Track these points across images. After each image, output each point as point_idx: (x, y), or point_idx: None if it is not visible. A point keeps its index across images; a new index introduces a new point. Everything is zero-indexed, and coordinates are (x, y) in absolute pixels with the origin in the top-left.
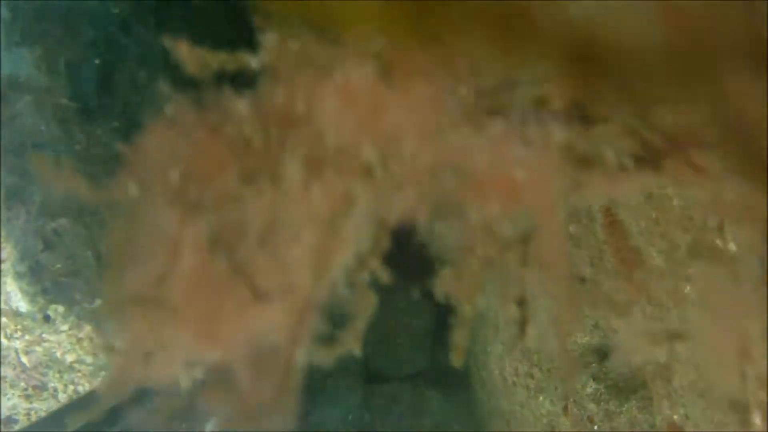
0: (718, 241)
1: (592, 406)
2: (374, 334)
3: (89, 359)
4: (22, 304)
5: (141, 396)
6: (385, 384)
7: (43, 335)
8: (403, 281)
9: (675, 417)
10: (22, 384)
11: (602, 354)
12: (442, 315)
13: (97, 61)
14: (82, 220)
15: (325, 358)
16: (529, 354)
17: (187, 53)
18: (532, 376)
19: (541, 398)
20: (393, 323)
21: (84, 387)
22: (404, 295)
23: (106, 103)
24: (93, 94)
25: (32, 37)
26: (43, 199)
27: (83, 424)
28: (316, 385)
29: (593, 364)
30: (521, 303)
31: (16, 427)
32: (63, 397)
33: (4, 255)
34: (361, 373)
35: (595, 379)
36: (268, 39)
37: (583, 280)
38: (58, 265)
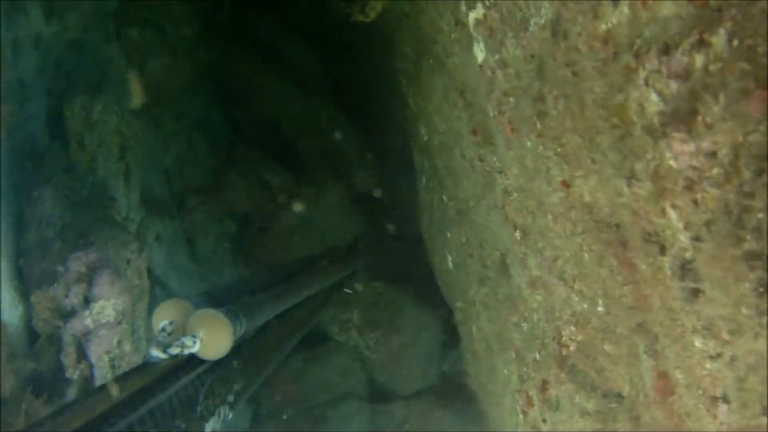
0: None
1: None
2: (380, 351)
3: None
4: None
5: (141, 396)
6: (393, 403)
7: None
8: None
9: None
10: None
11: None
12: (449, 331)
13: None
14: None
15: None
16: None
17: None
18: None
19: None
20: (399, 340)
21: None
22: (410, 311)
23: (55, 154)
24: (41, 145)
25: None
26: None
27: (83, 424)
28: (321, 412)
29: None
30: None
31: None
32: None
33: None
34: (367, 393)
35: None
36: None
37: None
38: None
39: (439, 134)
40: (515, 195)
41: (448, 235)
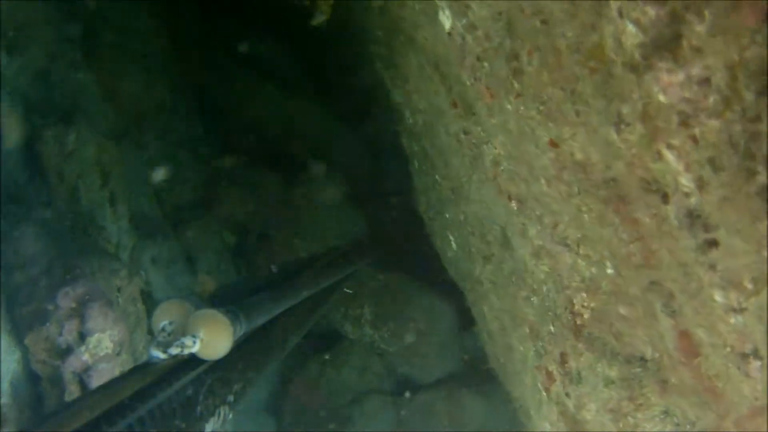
0: None
1: None
2: (396, 343)
3: None
4: None
5: (141, 396)
6: (417, 393)
7: None
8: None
9: None
10: None
11: None
12: (465, 312)
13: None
14: None
15: None
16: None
17: None
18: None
19: None
20: (414, 329)
21: None
22: (421, 298)
23: (34, 190)
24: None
25: None
26: None
27: (83, 424)
28: (346, 413)
29: None
30: None
31: None
32: None
33: None
34: (389, 387)
35: None
36: None
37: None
38: None
39: (422, 113)
40: (505, 164)
41: (447, 215)
